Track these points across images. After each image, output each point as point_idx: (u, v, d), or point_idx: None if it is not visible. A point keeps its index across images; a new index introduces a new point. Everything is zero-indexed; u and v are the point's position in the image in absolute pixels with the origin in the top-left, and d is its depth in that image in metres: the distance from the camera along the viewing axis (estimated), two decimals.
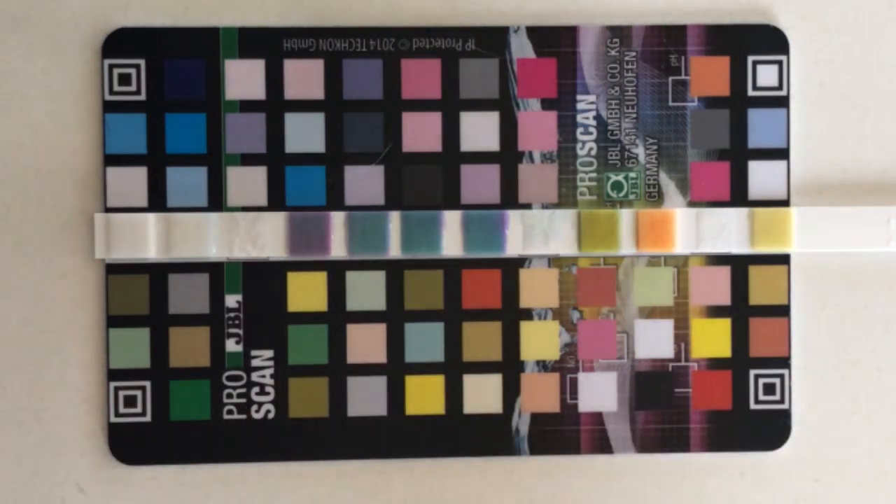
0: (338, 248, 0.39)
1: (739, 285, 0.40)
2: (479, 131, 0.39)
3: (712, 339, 0.40)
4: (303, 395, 0.39)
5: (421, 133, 0.39)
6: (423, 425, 0.39)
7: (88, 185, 0.39)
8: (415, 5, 0.39)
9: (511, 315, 0.39)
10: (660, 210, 0.39)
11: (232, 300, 0.39)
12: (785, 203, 0.40)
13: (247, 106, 0.39)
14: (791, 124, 0.40)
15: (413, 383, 0.39)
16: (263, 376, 0.39)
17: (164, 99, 0.39)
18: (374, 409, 0.39)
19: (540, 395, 0.39)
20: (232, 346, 0.39)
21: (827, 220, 0.39)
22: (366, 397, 0.39)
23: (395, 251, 0.39)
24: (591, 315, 0.40)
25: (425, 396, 0.39)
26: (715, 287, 0.40)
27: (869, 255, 0.40)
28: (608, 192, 0.39)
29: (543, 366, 0.39)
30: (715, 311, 0.40)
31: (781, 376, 0.40)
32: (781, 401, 0.40)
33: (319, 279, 0.39)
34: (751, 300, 0.40)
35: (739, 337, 0.40)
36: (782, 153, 0.40)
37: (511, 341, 0.39)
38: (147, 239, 0.38)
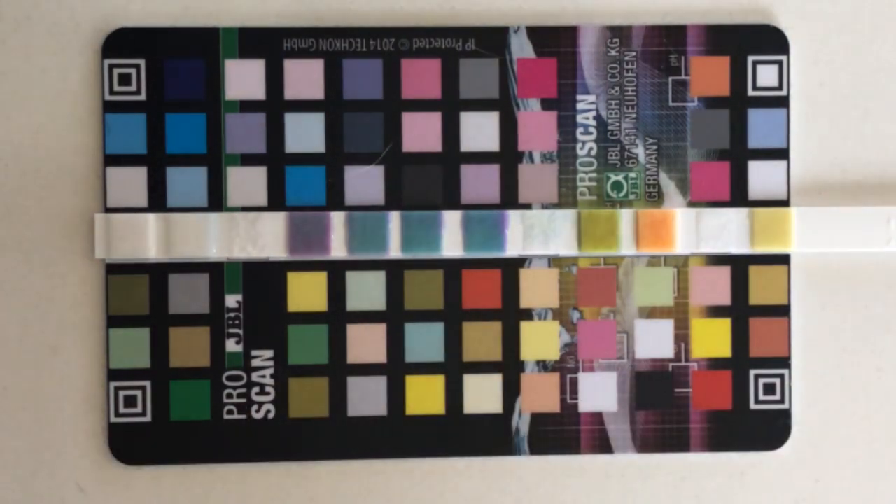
0: (338, 248, 0.39)
1: (739, 285, 0.40)
2: (479, 131, 0.39)
3: (712, 339, 0.40)
4: (303, 395, 0.39)
5: (421, 133, 0.39)
6: (423, 425, 0.39)
7: (88, 185, 0.39)
8: (415, 5, 0.39)
9: (511, 315, 0.39)
10: (660, 210, 0.39)
11: (232, 300, 0.39)
12: (785, 203, 0.40)
13: (247, 106, 0.39)
14: (791, 124, 0.40)
15: (413, 383, 0.39)
16: (263, 376, 0.39)
17: (164, 99, 0.39)
18: (374, 409, 0.39)
19: (540, 395, 0.39)
20: (232, 346, 0.39)
21: (827, 220, 0.39)
22: (366, 397, 0.39)
23: (395, 251, 0.39)
24: (591, 315, 0.40)
25: (425, 396, 0.39)
26: (715, 287, 0.40)
27: (869, 255, 0.40)
28: (608, 192, 0.39)
29: (543, 366, 0.39)
30: (715, 311, 0.40)
31: (781, 376, 0.40)
32: (781, 401, 0.40)
33: (319, 279, 0.39)
34: (751, 300, 0.40)
35: (739, 337, 0.40)
36: (782, 153, 0.40)
37: (511, 341, 0.39)
38: (147, 239, 0.38)
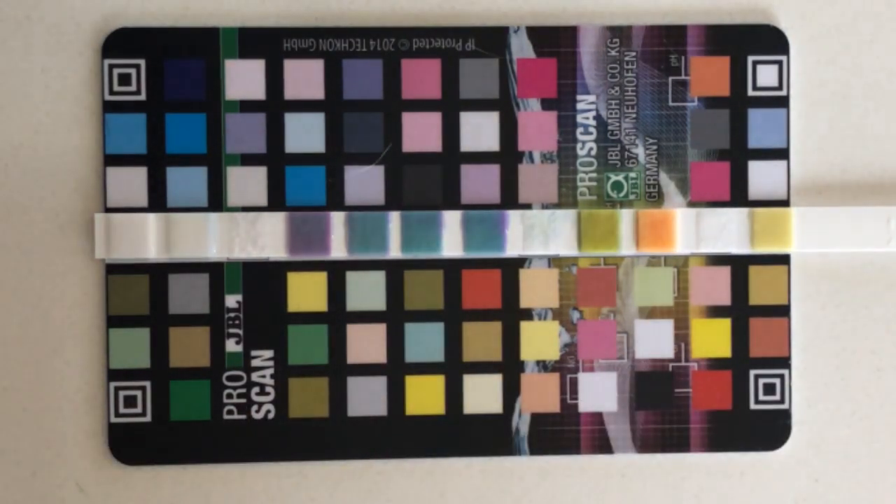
0: (338, 248, 0.39)
1: (739, 285, 0.40)
2: (479, 131, 0.39)
3: (712, 339, 0.40)
4: (303, 395, 0.39)
5: (421, 133, 0.39)
6: (423, 425, 0.39)
7: (88, 185, 0.39)
8: (415, 5, 0.39)
9: (511, 315, 0.39)
10: (660, 210, 0.39)
11: (232, 300, 0.39)
12: (785, 203, 0.40)
13: (247, 106, 0.39)
14: (791, 124, 0.40)
15: (413, 383, 0.39)
16: (263, 376, 0.39)
17: (164, 99, 0.39)
18: (374, 409, 0.39)
19: (540, 395, 0.39)
20: (232, 346, 0.39)
21: (827, 220, 0.39)
22: (366, 397, 0.39)
23: (395, 251, 0.39)
24: (591, 315, 0.40)
25: (425, 396, 0.39)
26: (715, 287, 0.40)
27: (869, 255, 0.40)
28: (608, 192, 0.39)
29: (543, 366, 0.39)
30: (715, 311, 0.40)
31: (781, 376, 0.40)
32: (781, 401, 0.40)
33: (319, 279, 0.39)
34: (751, 300, 0.40)
35: (739, 337, 0.40)
36: (782, 153, 0.40)
37: (511, 341, 0.39)
38: (147, 239, 0.38)
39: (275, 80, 0.39)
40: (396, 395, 0.39)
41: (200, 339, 0.39)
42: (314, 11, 0.39)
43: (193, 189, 0.39)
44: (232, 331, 0.39)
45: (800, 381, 0.40)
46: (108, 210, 0.38)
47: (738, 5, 0.40)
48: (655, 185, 0.40)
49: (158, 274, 0.39)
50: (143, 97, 0.39)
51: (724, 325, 0.40)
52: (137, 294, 0.39)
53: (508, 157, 0.39)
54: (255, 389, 0.39)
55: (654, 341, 0.40)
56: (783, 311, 0.40)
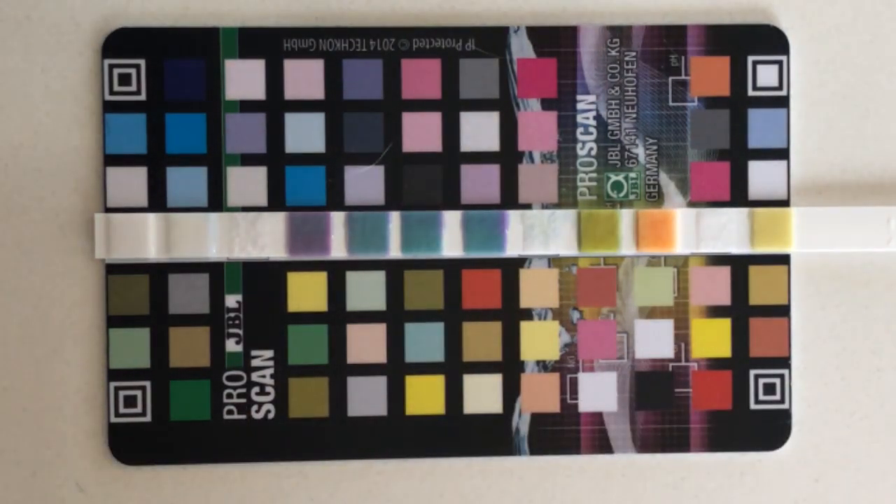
0: (338, 248, 0.39)
1: (739, 285, 0.40)
2: (479, 131, 0.39)
3: (712, 339, 0.40)
4: (303, 395, 0.39)
5: (421, 133, 0.39)
6: (423, 425, 0.39)
7: (88, 185, 0.39)
8: (415, 5, 0.39)
9: (511, 315, 0.39)
10: (660, 210, 0.39)
11: (232, 300, 0.39)
12: (785, 203, 0.40)
13: (247, 106, 0.39)
14: (791, 124, 0.40)
15: (413, 383, 0.39)
16: (263, 376, 0.39)
17: (164, 99, 0.39)
18: (374, 409, 0.39)
19: (540, 395, 0.39)
20: (232, 346, 0.39)
21: (827, 220, 0.39)
22: (366, 397, 0.39)
23: (395, 251, 0.39)
24: (591, 315, 0.40)
25: (425, 396, 0.39)
26: (715, 287, 0.40)
27: (869, 255, 0.40)
28: (608, 192, 0.39)
29: (543, 366, 0.39)
30: (715, 311, 0.40)
31: (781, 376, 0.40)
32: (781, 401, 0.40)
33: (319, 279, 0.39)
34: (751, 300, 0.40)
35: (739, 337, 0.40)
36: (782, 153, 0.40)
37: (511, 341, 0.39)
38: (147, 239, 0.38)
39: (275, 80, 0.39)
40: (396, 395, 0.39)
41: (200, 339, 0.39)
42: (314, 11, 0.39)
43: (193, 189, 0.39)
44: (232, 331, 0.39)
45: (800, 381, 0.40)
46: (108, 210, 0.38)
47: (738, 5, 0.40)
48: (655, 185, 0.40)
49: (158, 274, 0.39)
50: (143, 97, 0.39)
51: (724, 325, 0.40)
52: (137, 294, 0.39)
53: (508, 157, 0.39)
54: (255, 389, 0.39)
55: (654, 341, 0.40)
56: (783, 311, 0.40)
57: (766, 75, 0.40)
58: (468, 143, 0.39)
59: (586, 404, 0.39)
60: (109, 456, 0.39)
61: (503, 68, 0.39)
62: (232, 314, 0.39)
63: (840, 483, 0.40)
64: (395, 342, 0.39)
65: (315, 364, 0.39)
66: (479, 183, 0.39)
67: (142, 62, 0.39)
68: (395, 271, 0.39)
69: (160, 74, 0.39)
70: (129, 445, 0.39)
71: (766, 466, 0.40)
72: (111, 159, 0.39)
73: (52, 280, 0.39)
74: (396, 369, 0.39)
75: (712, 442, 0.39)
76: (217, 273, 0.39)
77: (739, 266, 0.40)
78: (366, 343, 0.39)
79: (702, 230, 0.39)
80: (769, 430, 0.40)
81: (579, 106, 0.39)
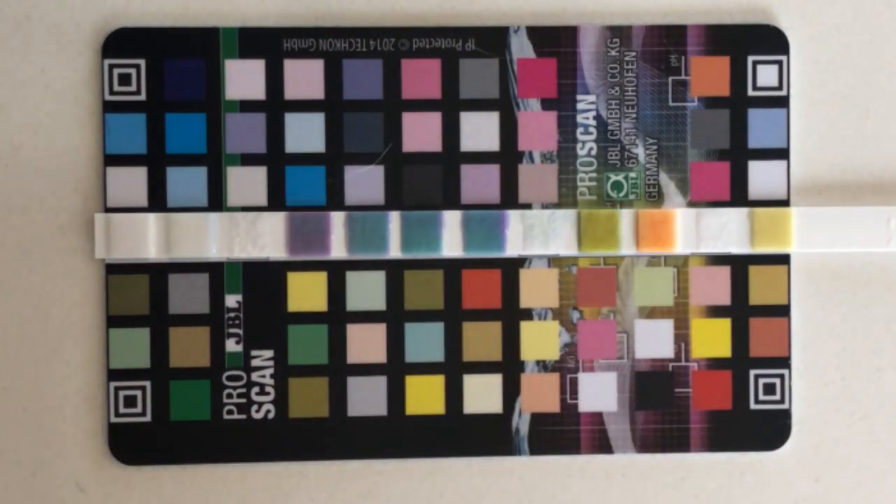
0: (338, 248, 0.39)
1: (739, 285, 0.40)
2: (479, 131, 0.39)
3: (712, 339, 0.40)
4: (303, 395, 0.39)
5: (421, 133, 0.39)
6: (423, 425, 0.39)
7: (88, 185, 0.39)
8: (415, 5, 0.39)
9: (511, 315, 0.39)
10: (660, 210, 0.39)
11: (232, 300, 0.39)
12: (785, 203, 0.40)
13: (247, 106, 0.39)
14: (791, 124, 0.40)
15: (413, 383, 0.39)
16: (263, 376, 0.39)
17: (164, 99, 0.39)
18: (374, 409, 0.39)
19: (540, 395, 0.39)
20: (232, 346, 0.39)
21: (827, 220, 0.39)
22: (366, 397, 0.39)
23: (395, 251, 0.39)
24: (591, 315, 0.40)
25: (425, 396, 0.39)
26: (715, 287, 0.40)
27: (869, 255, 0.40)
28: (608, 192, 0.39)
29: (543, 366, 0.39)
30: (715, 311, 0.40)
31: (781, 376, 0.40)
32: (781, 401, 0.40)
33: (319, 279, 0.39)
34: (751, 300, 0.40)
35: (739, 337, 0.40)
36: (782, 153, 0.40)
37: (511, 341, 0.39)
38: (147, 239, 0.38)
39: (275, 80, 0.39)
40: (396, 395, 0.39)
41: (200, 339, 0.39)
42: (314, 11, 0.39)
43: (193, 189, 0.39)
44: (232, 331, 0.39)
45: (800, 381, 0.40)
46: (108, 210, 0.38)
47: (738, 5, 0.40)
48: (655, 185, 0.40)
49: (158, 274, 0.39)
50: (143, 97, 0.39)
51: (724, 325, 0.40)
52: (137, 294, 0.39)
53: (508, 157, 0.39)
54: (255, 389, 0.39)
55: (654, 341, 0.40)
56: (783, 311, 0.40)
57: (766, 75, 0.40)
58: (468, 143, 0.39)
59: (586, 404, 0.39)
60: (109, 456, 0.39)
61: (503, 68, 0.39)
62: (232, 314, 0.39)
63: (840, 483, 0.40)
64: (395, 342, 0.39)
65: (315, 364, 0.39)
66: (479, 183, 0.39)
67: (142, 62, 0.39)
68: (395, 271, 0.39)
69: (160, 74, 0.39)
70: (129, 445, 0.39)
71: (766, 466, 0.40)
72: (111, 159, 0.39)
73: (52, 280, 0.39)
74: (396, 369, 0.39)
75: (712, 442, 0.39)
76: (217, 273, 0.39)
77: (739, 266, 0.40)
78: (366, 343, 0.39)
79: (702, 230, 0.39)
80: (769, 430, 0.40)
81: (579, 106, 0.39)
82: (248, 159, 0.39)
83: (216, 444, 0.39)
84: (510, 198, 0.39)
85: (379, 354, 0.39)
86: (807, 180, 0.40)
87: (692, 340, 0.40)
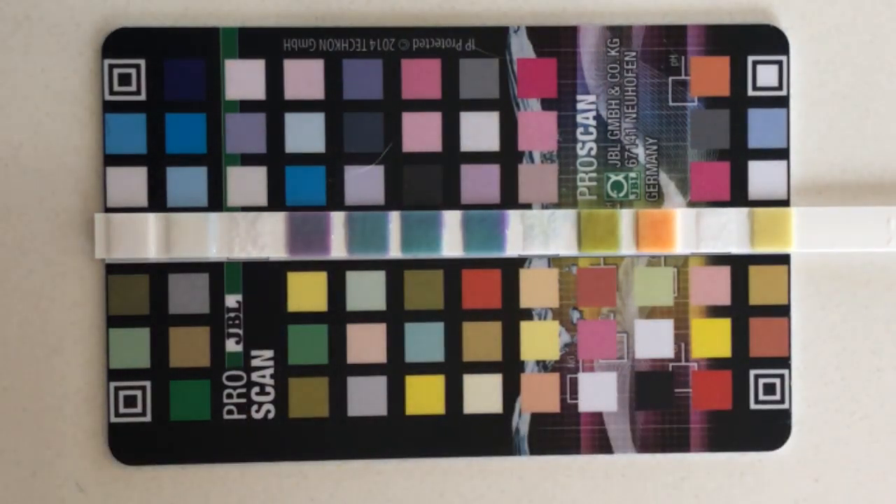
0: (338, 248, 0.39)
1: (739, 285, 0.40)
2: (479, 131, 0.39)
3: (712, 339, 0.40)
4: (303, 395, 0.39)
5: (421, 133, 0.39)
6: (423, 425, 0.39)
7: (88, 185, 0.39)
8: (415, 5, 0.39)
9: (511, 315, 0.39)
10: (660, 210, 0.39)
11: (232, 300, 0.39)
12: (785, 203, 0.40)
13: (247, 106, 0.39)
14: (791, 124, 0.40)
15: (413, 383, 0.39)
16: (263, 376, 0.39)
17: (164, 99, 0.39)
18: (374, 409, 0.39)
19: (540, 395, 0.39)
20: (232, 346, 0.39)
21: (827, 220, 0.39)
22: (366, 397, 0.39)
23: (395, 251, 0.39)
24: (591, 315, 0.40)
25: (425, 396, 0.39)
26: (715, 287, 0.40)
27: (869, 255, 0.40)
28: (608, 192, 0.39)
29: (543, 366, 0.39)
30: (715, 311, 0.40)
31: (781, 376, 0.40)
32: (781, 401, 0.40)
33: (319, 279, 0.39)
34: (751, 300, 0.40)
35: (739, 337, 0.40)
36: (782, 153, 0.40)
37: (511, 341, 0.39)
38: (147, 239, 0.38)
39: (275, 80, 0.39)
40: (396, 395, 0.39)
41: (200, 339, 0.39)
42: (314, 11, 0.39)
43: (193, 189, 0.39)
44: (232, 331, 0.39)
45: (800, 381, 0.40)
46: (108, 210, 0.38)
47: (738, 5, 0.40)
48: (655, 185, 0.40)
49: (158, 274, 0.39)
50: (143, 97, 0.39)
51: (724, 325, 0.40)
52: (137, 294, 0.39)
53: (508, 157, 0.39)
54: (255, 389, 0.39)
55: (654, 341, 0.40)
56: (783, 311, 0.40)
57: (766, 75, 0.40)
58: (468, 143, 0.39)
59: (586, 404, 0.39)
60: (109, 456, 0.39)
61: (503, 68, 0.39)
62: (232, 314, 0.39)
63: (840, 483, 0.40)
64: (395, 342, 0.39)
65: (315, 364, 0.39)
66: (479, 183, 0.39)
67: (142, 62, 0.39)
68: (395, 271, 0.39)
69: (160, 74, 0.39)
70: (129, 445, 0.39)
71: (766, 466, 0.40)
72: (111, 159, 0.39)
73: (52, 280, 0.39)
74: (396, 369, 0.39)
75: (712, 442, 0.39)
76: (217, 273, 0.39)
77: (739, 266, 0.40)
78: (366, 343, 0.39)
79: (702, 230, 0.39)
80: (769, 430, 0.40)
81: (579, 106, 0.39)
82: (248, 159, 0.39)
83: (216, 444, 0.39)
84: (510, 198, 0.39)
85: (379, 354, 0.39)
86: (807, 180, 0.40)
87: (692, 340, 0.40)
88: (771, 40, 0.40)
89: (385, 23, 0.39)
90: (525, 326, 0.39)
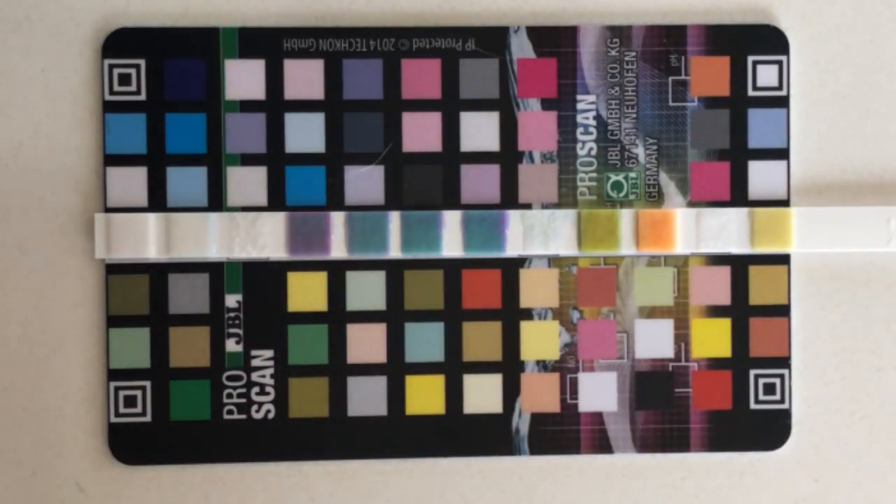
0: (338, 248, 0.39)
1: (739, 285, 0.40)
2: (479, 131, 0.39)
3: (712, 339, 0.40)
4: (303, 395, 0.39)
5: (421, 133, 0.39)
6: (423, 425, 0.39)
7: (88, 185, 0.39)
8: (415, 5, 0.39)
9: (511, 315, 0.39)
10: (660, 210, 0.39)
11: (232, 300, 0.39)
12: (785, 203, 0.40)
13: (247, 106, 0.39)
14: (791, 124, 0.40)
15: (413, 383, 0.39)
16: (263, 376, 0.39)
17: (164, 99, 0.39)
18: (374, 409, 0.39)
19: (540, 395, 0.39)
20: (232, 346, 0.39)
21: (827, 220, 0.39)
22: (366, 397, 0.39)
23: (395, 251, 0.39)
24: (591, 315, 0.40)
25: (425, 396, 0.39)
26: (715, 287, 0.40)
27: (869, 255, 0.40)
28: (608, 192, 0.39)
29: (543, 366, 0.39)
30: (715, 311, 0.40)
31: (781, 376, 0.40)
32: (781, 401, 0.40)
33: (319, 279, 0.39)
34: (751, 300, 0.40)
35: (739, 337, 0.40)
36: (782, 153, 0.40)
37: (511, 341, 0.39)
38: (147, 239, 0.38)
39: (275, 80, 0.39)
40: (396, 395, 0.39)
41: (200, 338, 0.39)
42: (314, 11, 0.39)
43: (193, 189, 0.39)
44: (232, 331, 0.39)
45: (800, 381, 0.40)
46: (108, 210, 0.38)
47: (738, 5, 0.40)
48: (655, 185, 0.40)
49: (158, 274, 0.39)
50: (143, 97, 0.39)
51: (724, 324, 0.40)
52: (137, 294, 0.39)
53: (508, 157, 0.39)
54: (255, 389, 0.39)
55: (654, 341, 0.40)
56: (783, 311, 0.40)
57: (766, 75, 0.40)
58: (468, 143, 0.39)
59: (586, 404, 0.39)
60: (109, 456, 0.39)
61: (503, 68, 0.39)
62: (232, 314, 0.39)
63: (840, 483, 0.40)
64: (395, 342, 0.39)
65: (315, 364, 0.39)
66: (479, 183, 0.39)
67: (142, 62, 0.39)
68: (395, 271, 0.39)
69: (160, 74, 0.39)
70: (129, 445, 0.39)
71: (766, 466, 0.40)
72: (111, 159, 0.39)
73: (52, 280, 0.39)
74: (396, 369, 0.39)
75: (712, 442, 0.39)
76: (217, 273, 0.39)
77: (739, 266, 0.40)
78: (366, 343, 0.39)
79: (702, 230, 0.39)
80: (769, 430, 0.40)
81: (579, 106, 0.39)
82: (248, 159, 0.39)
83: (216, 444, 0.39)
84: (510, 198, 0.39)
85: (379, 354, 0.39)
86: (807, 180, 0.40)
87: (692, 340, 0.40)
88: (771, 40, 0.40)
89: (385, 23, 0.39)
90: (525, 326, 0.39)
